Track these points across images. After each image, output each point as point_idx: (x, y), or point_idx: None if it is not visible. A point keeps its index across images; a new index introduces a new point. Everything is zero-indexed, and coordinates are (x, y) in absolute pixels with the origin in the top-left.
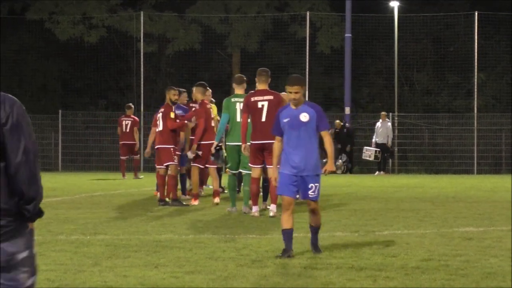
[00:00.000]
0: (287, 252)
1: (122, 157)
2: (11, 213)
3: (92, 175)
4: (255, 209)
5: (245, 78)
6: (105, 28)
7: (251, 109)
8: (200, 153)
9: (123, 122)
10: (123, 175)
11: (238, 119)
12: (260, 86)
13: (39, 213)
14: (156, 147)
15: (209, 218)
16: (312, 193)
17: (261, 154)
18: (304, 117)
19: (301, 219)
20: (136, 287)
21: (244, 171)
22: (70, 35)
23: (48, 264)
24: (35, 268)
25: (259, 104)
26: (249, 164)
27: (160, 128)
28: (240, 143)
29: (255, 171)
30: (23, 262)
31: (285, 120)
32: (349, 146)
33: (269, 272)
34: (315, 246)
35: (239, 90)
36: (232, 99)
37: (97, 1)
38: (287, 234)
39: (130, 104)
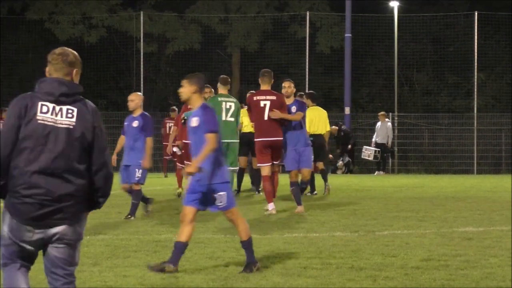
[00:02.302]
0: (171, 265)
1: (165, 157)
2: (86, 199)
3: None
4: (271, 206)
5: (229, 80)
6: (105, 28)
7: (253, 108)
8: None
9: (167, 125)
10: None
11: (223, 117)
12: (264, 86)
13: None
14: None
15: (209, 218)
16: (220, 203)
17: (269, 151)
18: (193, 121)
19: (301, 219)
20: (136, 287)
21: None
22: (70, 35)
23: None
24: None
25: (262, 103)
26: (258, 164)
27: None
28: (227, 141)
29: (265, 169)
30: (80, 242)
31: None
32: (349, 146)
33: (269, 272)
34: (247, 264)
35: (223, 90)
36: (218, 98)
37: (97, 1)
38: (180, 248)
39: (174, 107)
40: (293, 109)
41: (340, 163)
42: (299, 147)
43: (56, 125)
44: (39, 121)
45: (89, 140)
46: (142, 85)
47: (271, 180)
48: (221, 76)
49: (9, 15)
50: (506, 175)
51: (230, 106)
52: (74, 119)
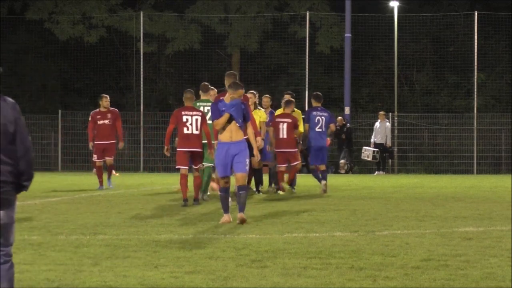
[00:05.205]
0: None
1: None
2: (13, 186)
3: (92, 175)
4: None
5: (209, 86)
6: (105, 28)
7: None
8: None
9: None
10: None
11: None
12: (204, 96)
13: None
14: (194, 149)
15: (209, 218)
16: None
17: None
18: None
19: (301, 219)
20: (136, 287)
21: (205, 164)
22: (70, 35)
23: (47, 264)
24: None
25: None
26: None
27: (197, 131)
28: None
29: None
30: (13, 224)
31: None
32: (343, 136)
33: (269, 272)
34: None
35: (204, 96)
36: (197, 104)
37: (97, 1)
38: None
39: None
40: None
41: (342, 161)
42: (233, 151)
43: None
44: None
45: (11, 131)
46: (142, 85)
47: None
48: (202, 83)
49: (9, 15)
50: (506, 175)
51: (208, 110)
52: None
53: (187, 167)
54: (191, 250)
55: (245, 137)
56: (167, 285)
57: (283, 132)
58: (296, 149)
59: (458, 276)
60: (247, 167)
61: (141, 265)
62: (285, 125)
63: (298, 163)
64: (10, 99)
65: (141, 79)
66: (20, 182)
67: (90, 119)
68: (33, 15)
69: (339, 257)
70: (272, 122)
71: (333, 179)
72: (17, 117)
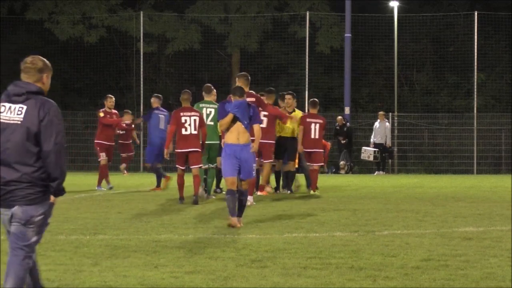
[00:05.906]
0: None
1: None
2: (37, 185)
3: (92, 175)
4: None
5: (212, 87)
6: (104, 28)
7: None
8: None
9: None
10: None
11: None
12: (208, 98)
13: (62, 191)
14: (191, 149)
15: (209, 218)
16: None
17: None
18: None
19: (301, 218)
20: (136, 287)
21: (210, 165)
22: (70, 35)
23: (47, 264)
24: (42, 230)
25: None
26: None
27: (196, 131)
28: (208, 142)
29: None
30: (35, 223)
31: None
32: (343, 140)
33: (269, 272)
34: None
35: (208, 97)
36: (200, 105)
37: (97, 1)
38: None
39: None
40: None
41: (342, 162)
42: (240, 154)
43: (9, 121)
44: (1, 120)
45: (35, 133)
46: (142, 85)
47: None
48: (205, 84)
49: (9, 15)
50: (506, 175)
51: (210, 111)
52: (22, 116)
53: (184, 167)
54: (191, 250)
55: (252, 138)
56: (167, 285)
57: (315, 133)
58: (323, 150)
59: (458, 276)
60: (254, 172)
61: (141, 265)
62: (317, 125)
63: (320, 164)
64: (44, 101)
65: (141, 79)
66: (49, 184)
67: (102, 114)
68: (33, 15)
69: (339, 257)
70: (302, 122)
71: (333, 179)
72: (43, 120)
